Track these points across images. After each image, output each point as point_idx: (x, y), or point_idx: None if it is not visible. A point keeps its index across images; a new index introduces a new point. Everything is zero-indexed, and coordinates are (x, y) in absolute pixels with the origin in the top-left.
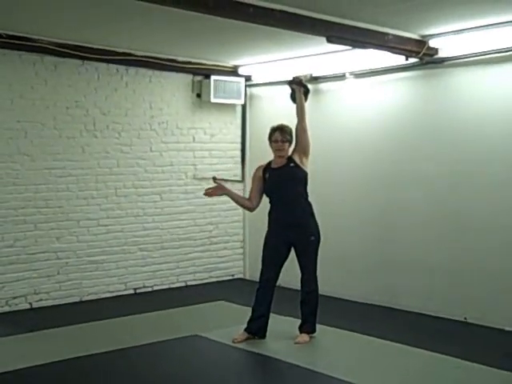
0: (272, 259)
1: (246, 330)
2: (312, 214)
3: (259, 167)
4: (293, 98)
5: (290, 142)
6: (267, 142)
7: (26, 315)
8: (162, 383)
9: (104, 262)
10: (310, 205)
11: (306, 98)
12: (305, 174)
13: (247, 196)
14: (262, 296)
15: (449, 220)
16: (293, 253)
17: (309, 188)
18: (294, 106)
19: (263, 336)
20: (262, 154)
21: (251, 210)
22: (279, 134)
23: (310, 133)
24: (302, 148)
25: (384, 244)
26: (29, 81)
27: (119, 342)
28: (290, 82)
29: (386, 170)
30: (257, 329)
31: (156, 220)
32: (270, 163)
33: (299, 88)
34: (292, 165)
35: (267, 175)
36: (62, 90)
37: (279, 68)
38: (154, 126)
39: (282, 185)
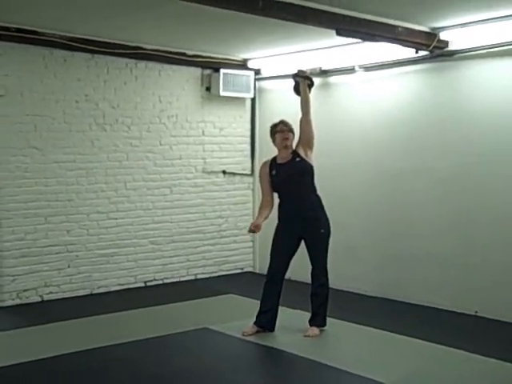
0: (281, 253)
1: (255, 323)
2: (321, 207)
3: (264, 163)
4: (296, 90)
5: (293, 134)
6: None
7: (37, 308)
8: (171, 376)
9: (114, 255)
10: (318, 198)
11: (309, 91)
12: (311, 168)
13: (260, 194)
14: (270, 289)
15: (459, 213)
16: (303, 246)
17: (318, 181)
18: (300, 98)
19: (272, 329)
20: (271, 147)
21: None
22: (283, 125)
23: (318, 125)
24: (307, 141)
25: (394, 237)
26: (38, 74)
27: (129, 335)
28: (294, 75)
29: (395, 163)
30: (266, 322)
31: (166, 213)
32: (274, 159)
33: (304, 81)
34: (298, 159)
35: (274, 171)
36: (71, 84)
37: (288, 61)
38: (163, 119)
39: (290, 180)
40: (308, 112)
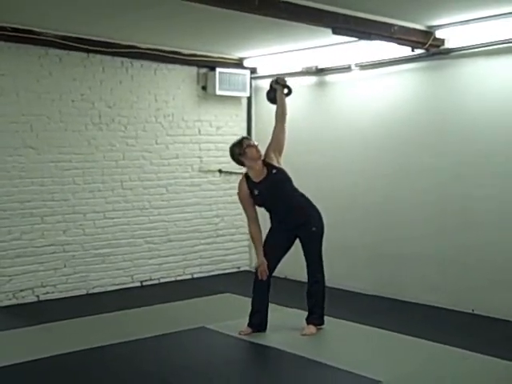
0: (272, 251)
1: (248, 324)
2: (311, 205)
3: (242, 185)
4: (269, 96)
5: None
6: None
7: (33, 308)
8: (168, 375)
9: (110, 255)
10: (304, 196)
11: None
12: (286, 174)
13: (244, 215)
14: (258, 288)
15: (455, 212)
16: (298, 244)
17: (315, 180)
18: (300, 97)
19: (264, 330)
20: (267, 146)
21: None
22: (247, 140)
23: (314, 124)
24: (278, 146)
25: (391, 236)
26: (34, 74)
27: (126, 335)
28: (275, 82)
29: (391, 162)
30: (257, 324)
31: (162, 213)
32: (248, 178)
33: (282, 89)
34: (274, 171)
35: (256, 191)
36: (67, 83)
37: (284, 60)
38: (159, 118)
39: (274, 195)
40: (284, 119)
